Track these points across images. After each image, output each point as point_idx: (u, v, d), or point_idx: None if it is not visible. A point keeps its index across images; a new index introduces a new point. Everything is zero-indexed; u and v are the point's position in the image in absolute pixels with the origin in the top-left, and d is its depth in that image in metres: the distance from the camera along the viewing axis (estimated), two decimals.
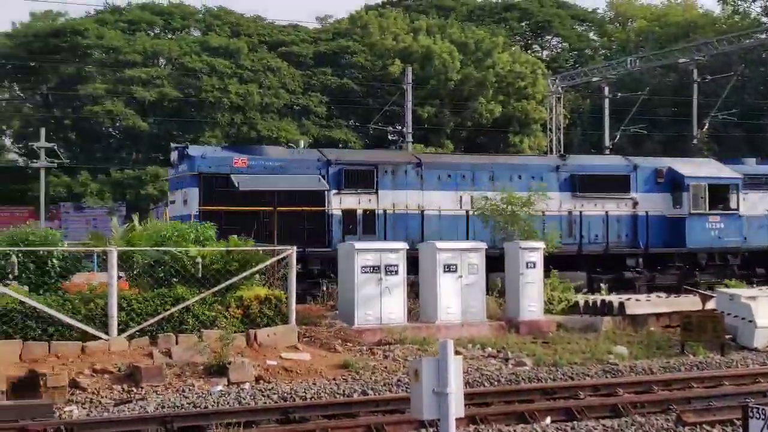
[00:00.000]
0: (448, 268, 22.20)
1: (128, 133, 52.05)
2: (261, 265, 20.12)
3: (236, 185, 25.59)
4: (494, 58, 57.60)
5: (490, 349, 20.84)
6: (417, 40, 58.26)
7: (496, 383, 17.90)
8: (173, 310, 18.58)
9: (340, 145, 53.73)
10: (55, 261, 19.98)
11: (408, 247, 22.80)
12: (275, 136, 51.73)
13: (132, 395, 16.20)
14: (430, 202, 29.12)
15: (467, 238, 27.55)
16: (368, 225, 28.31)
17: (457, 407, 9.78)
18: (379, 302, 21.57)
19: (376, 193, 28.64)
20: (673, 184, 32.12)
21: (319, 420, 14.63)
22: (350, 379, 17.92)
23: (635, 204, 31.78)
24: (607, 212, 31.04)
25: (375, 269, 21.61)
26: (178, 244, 20.02)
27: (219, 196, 26.51)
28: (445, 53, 56.08)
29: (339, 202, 28.28)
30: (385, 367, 18.77)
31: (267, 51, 57.20)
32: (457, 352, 10.14)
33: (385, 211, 28.45)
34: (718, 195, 32.32)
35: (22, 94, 61.44)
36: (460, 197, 29.57)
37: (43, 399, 15.36)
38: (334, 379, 17.84)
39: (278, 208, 26.24)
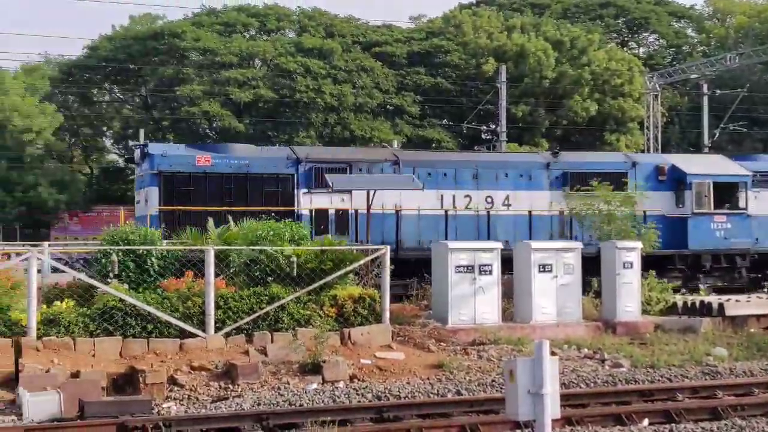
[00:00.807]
0: (543, 268, 21.98)
1: (224, 133, 52.67)
2: (354, 264, 20.19)
3: (330, 185, 25.60)
4: (590, 55, 56.88)
5: (586, 350, 20.58)
6: (511, 38, 57.85)
7: (592, 384, 17.69)
8: (269, 308, 18.76)
9: (434, 145, 53.65)
10: (153, 260, 20.33)
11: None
12: (368, 136, 51.89)
13: (228, 392, 16.41)
14: (409, 201, 28.09)
15: (446, 239, 26.85)
16: (341, 225, 27.59)
17: (553, 408, 9.68)
18: (473, 302, 21.45)
19: (350, 192, 27.69)
20: (676, 182, 30.75)
21: (413, 420, 14.63)
22: (444, 378, 17.87)
23: (634, 203, 30.06)
24: (599, 212, 29.03)
25: (469, 269, 21.48)
26: (273, 243, 20.22)
27: (180, 196, 26.16)
28: (540, 51, 55.58)
29: (309, 202, 27.62)
30: (480, 367, 18.66)
31: (361, 51, 57.39)
32: (552, 353, 10.01)
33: (356, 211, 27.51)
34: (725, 193, 30.79)
35: (122, 96, 62.73)
36: (441, 196, 28.66)
37: (142, 395, 15.65)
38: (428, 378, 17.81)
39: (247, 208, 25.78)
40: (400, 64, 57.23)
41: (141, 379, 16.08)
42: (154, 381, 16.11)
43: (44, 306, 18.13)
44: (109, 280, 19.31)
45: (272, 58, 54.37)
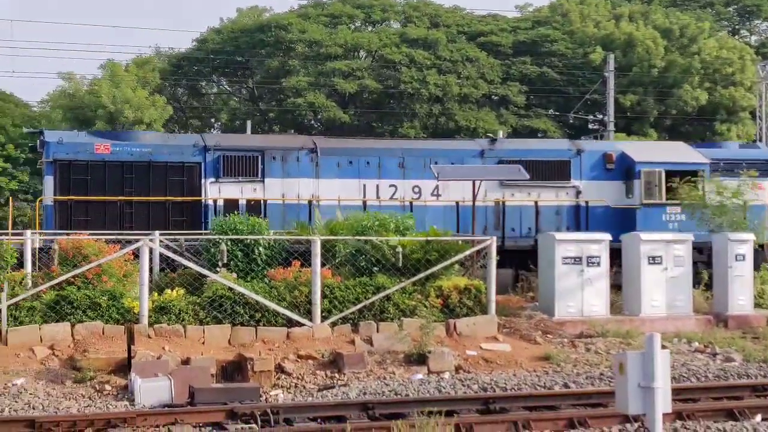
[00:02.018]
0: (653, 260, 21.58)
1: (329, 124, 53.02)
2: (460, 255, 20.13)
3: (436, 175, 25.45)
4: (700, 44, 55.61)
5: (696, 343, 20.16)
6: (619, 26, 56.90)
7: (703, 379, 17.34)
8: (374, 298, 18.83)
9: (540, 135, 53.16)
10: (261, 249, 20.59)
11: None
12: (473, 126, 51.67)
13: (335, 381, 16.53)
14: (328, 191, 26.88)
15: None
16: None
17: (664, 402, 9.54)
18: (580, 294, 21.19)
19: (262, 181, 26.65)
20: (625, 170, 28.68)
21: (520, 411, 14.53)
22: (551, 371, 17.71)
23: (578, 193, 28.56)
24: (536, 202, 27.78)
25: (576, 260, 21.21)
26: (378, 234, 20.28)
27: (77, 186, 25.08)
28: (649, 40, 54.56)
29: (218, 192, 26.44)
30: (587, 360, 18.44)
31: (466, 41, 57.13)
32: (662, 346, 9.82)
33: (265, 201, 26.45)
34: (680, 182, 28.38)
35: (229, 88, 63.64)
36: (363, 186, 27.32)
37: (250, 382, 15.85)
38: (534, 370, 17.68)
39: (149, 198, 25.03)
40: (506, 54, 56.79)
41: (249, 366, 16.29)
42: (262, 369, 16.31)
43: (155, 294, 18.49)
44: (217, 269, 19.63)
45: (377, 49, 54.50)
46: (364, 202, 26.78)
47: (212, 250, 20.53)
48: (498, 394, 15.58)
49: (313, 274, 18.51)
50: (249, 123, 45.20)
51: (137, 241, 18.58)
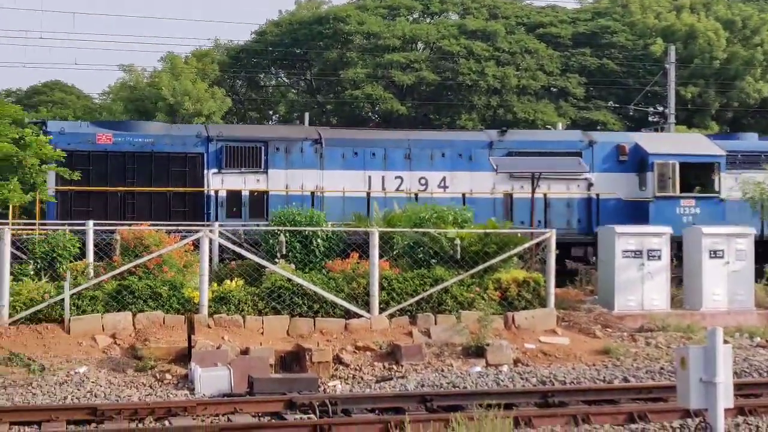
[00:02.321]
0: (714, 254, 21.30)
1: (387, 116, 52.97)
2: (519, 248, 20.05)
3: (495, 168, 25.33)
4: (762, 35, 54.71)
5: (758, 338, 19.89)
6: (680, 18, 56.17)
7: (765, 374, 17.11)
8: (432, 290, 18.82)
9: (599, 128, 52.70)
10: (319, 241, 20.66)
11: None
12: (532, 118, 51.33)
13: (392, 373, 16.56)
14: (332, 183, 26.34)
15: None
16: (256, 208, 25.89)
17: (726, 397, 9.44)
18: (640, 287, 21.00)
19: (266, 172, 26.19)
20: (638, 162, 27.86)
21: (579, 405, 14.44)
22: (610, 365, 17.58)
23: (590, 185, 27.73)
24: (545, 195, 26.97)
25: (636, 254, 21.01)
26: (436, 226, 20.26)
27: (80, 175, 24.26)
28: (710, 31, 53.81)
29: (221, 183, 25.97)
30: (647, 354, 18.27)
31: (525, 33, 56.77)
32: (724, 341, 9.72)
33: (267, 192, 25.97)
34: (696, 175, 27.78)
35: (287, 81, 63.87)
36: (369, 177, 26.67)
37: (308, 373, 15.93)
38: (593, 364, 17.55)
39: (151, 189, 24.61)
40: (565, 45, 56.32)
41: (307, 357, 16.38)
42: (320, 360, 16.39)
43: (215, 284, 18.64)
44: (276, 260, 19.74)
45: (435, 40, 54.35)
46: (368, 194, 26.23)
47: (271, 241, 20.64)
48: (557, 388, 15.52)
49: (371, 266, 18.55)
50: (307, 115, 45.35)
51: (197, 231, 18.74)
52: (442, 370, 16.72)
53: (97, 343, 16.88)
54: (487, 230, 20.17)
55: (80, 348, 16.65)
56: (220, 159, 26.00)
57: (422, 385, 15.74)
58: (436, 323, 18.51)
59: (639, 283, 20.98)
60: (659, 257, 21.10)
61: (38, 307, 17.28)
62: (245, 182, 26.10)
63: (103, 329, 17.30)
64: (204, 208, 25.66)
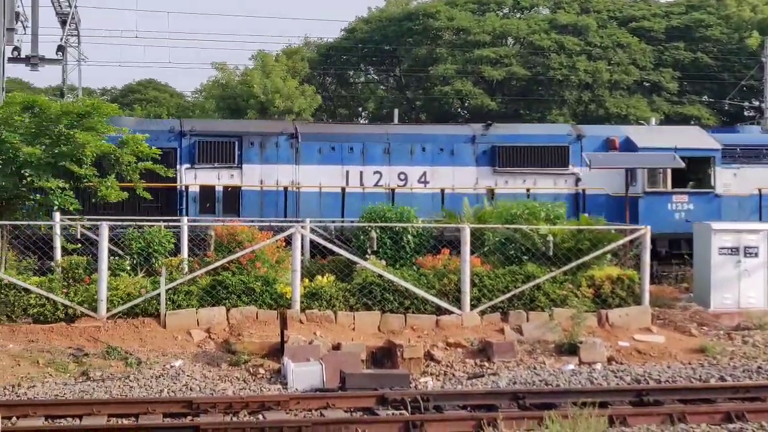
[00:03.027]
0: None
1: (476, 112, 52.80)
2: (613, 244, 19.77)
3: (588, 163, 25.02)
4: None
5: None
6: None
7: None
8: (524, 287, 18.67)
9: (693, 122, 51.74)
10: (409, 237, 20.65)
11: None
12: (624, 113, 50.67)
13: (484, 370, 16.45)
14: (308, 178, 25.88)
15: (342, 217, 24.97)
16: (230, 203, 25.56)
17: None
18: (737, 285, 20.52)
19: (240, 167, 25.86)
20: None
21: (675, 404, 14.17)
22: (706, 363, 17.21)
23: (578, 180, 26.91)
24: (528, 190, 26.41)
25: (733, 251, 20.55)
26: (528, 222, 20.10)
27: None
28: None
29: (194, 178, 25.63)
30: (744, 353, 17.85)
31: (617, 27, 56.09)
32: None
33: (240, 188, 25.57)
34: (691, 170, 26.55)
35: (376, 77, 64.07)
36: (346, 172, 26.21)
37: (400, 369, 15.92)
38: (689, 363, 17.21)
39: (120, 183, 23.91)
40: (658, 39, 55.46)
41: (399, 353, 16.36)
42: (411, 356, 16.36)
43: (306, 280, 18.76)
44: (367, 256, 19.78)
45: (526, 35, 54.00)
46: (343, 189, 25.95)
47: (362, 237, 20.70)
48: (652, 386, 15.26)
49: (462, 262, 18.47)
50: (396, 111, 45.40)
51: (289, 227, 18.88)
52: (535, 368, 16.57)
53: (192, 337, 17.12)
54: (581, 226, 19.93)
55: (176, 342, 16.91)
56: (194, 154, 25.83)
57: (514, 383, 15.61)
58: (528, 320, 18.36)
59: (735, 280, 20.51)
60: (756, 254, 20.61)
61: (135, 302, 17.59)
62: (219, 177, 25.86)
63: (198, 324, 17.54)
64: (176, 203, 25.51)
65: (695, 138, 28.06)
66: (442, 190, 26.17)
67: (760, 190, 27.42)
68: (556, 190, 26.93)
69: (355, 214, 23.94)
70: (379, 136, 27.25)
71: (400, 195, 26.05)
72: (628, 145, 27.15)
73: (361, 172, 26.44)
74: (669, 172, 26.48)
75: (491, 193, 26.31)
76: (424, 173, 26.73)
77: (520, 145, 27.06)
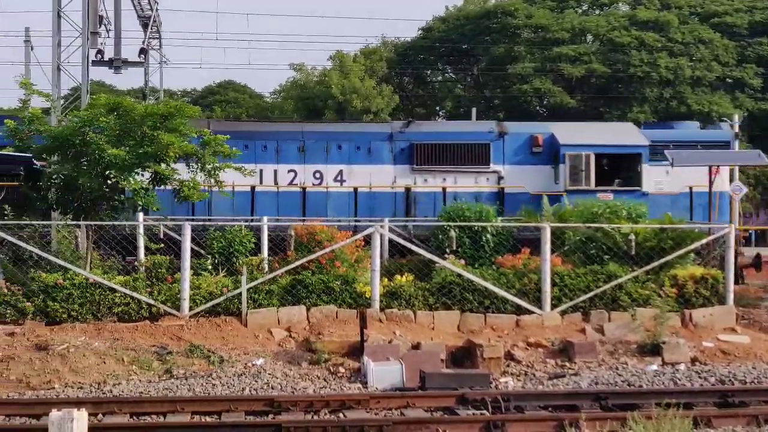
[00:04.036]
0: None
1: (555, 110, 52.37)
2: (696, 243, 19.47)
3: (670, 161, 24.63)
4: None
5: None
6: None
7: None
8: (606, 287, 18.47)
9: None
10: (488, 236, 20.56)
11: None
12: (706, 110, 49.81)
13: (565, 370, 16.31)
14: (221, 177, 24.68)
15: (252, 214, 24.43)
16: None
17: None
18: None
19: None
20: (554, 154, 26.19)
21: (761, 406, 13.90)
22: None
23: (500, 178, 26.21)
24: (444, 189, 25.82)
25: None
26: (610, 221, 19.88)
27: None
28: None
29: None
30: None
31: (698, 22, 55.16)
32: None
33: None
34: (617, 167, 25.89)
35: (454, 76, 63.90)
36: (260, 171, 25.57)
37: (480, 369, 15.86)
38: None
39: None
40: (741, 35, 54.39)
41: (479, 353, 16.28)
42: (491, 355, 16.27)
43: (385, 279, 18.78)
44: (446, 255, 19.75)
45: (605, 32, 53.37)
46: (253, 188, 25.59)
47: (440, 236, 20.67)
48: (737, 387, 14.99)
49: (542, 262, 18.33)
50: (474, 110, 45.26)
51: (368, 227, 18.93)
52: (617, 368, 16.38)
53: (273, 336, 17.25)
54: (664, 225, 19.65)
55: (257, 340, 17.05)
56: None
57: (596, 383, 15.46)
58: (609, 320, 18.15)
59: None
60: None
61: (217, 301, 17.80)
62: None
63: (279, 322, 17.67)
64: None
65: (623, 135, 27.60)
66: (356, 189, 26.04)
67: (690, 188, 26.81)
68: (477, 189, 26.47)
69: (270, 213, 24.15)
70: (294, 134, 27.01)
71: (314, 194, 26.00)
72: (552, 143, 26.81)
73: (276, 171, 26.28)
74: (593, 169, 26.15)
75: (406, 192, 26.25)
76: (340, 172, 26.56)
77: (439, 143, 26.67)
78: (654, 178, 26.67)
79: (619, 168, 26.77)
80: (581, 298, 18.38)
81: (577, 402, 13.95)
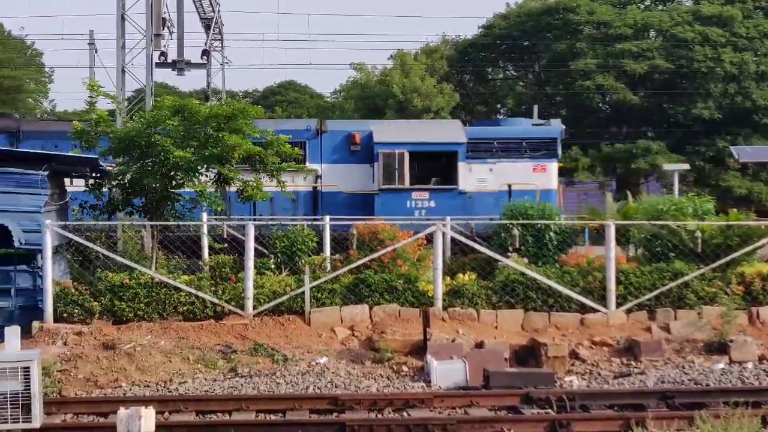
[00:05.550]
0: None
1: (618, 106, 51.85)
2: (764, 240, 19.13)
3: (737, 157, 24.29)
4: None
5: None
6: None
7: None
8: (671, 285, 18.25)
9: None
10: (552, 234, 20.42)
11: None
12: None
13: (631, 368, 16.17)
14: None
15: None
16: None
17: None
18: None
19: None
20: (370, 153, 25.60)
21: None
22: None
23: (318, 177, 25.65)
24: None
25: None
26: (675, 218, 19.63)
27: None
28: None
29: None
30: None
31: (763, 17, 54.27)
32: None
33: None
34: (435, 165, 25.41)
35: (515, 73, 63.54)
36: None
37: (544, 368, 15.77)
38: None
39: None
40: None
41: (543, 352, 16.19)
42: (555, 354, 16.17)
43: (448, 278, 18.75)
44: (508, 253, 19.66)
45: (668, 27, 52.70)
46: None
47: (503, 235, 20.58)
48: None
49: (607, 260, 18.17)
50: (536, 108, 44.95)
51: (430, 226, 18.91)
52: (683, 367, 16.19)
53: (336, 334, 17.31)
54: (730, 222, 19.37)
55: (320, 339, 17.13)
56: None
57: (662, 382, 15.32)
58: (675, 318, 17.94)
59: None
60: None
61: (280, 300, 17.89)
62: None
63: (342, 321, 17.73)
64: None
65: (441, 132, 27.19)
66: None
67: (509, 185, 26.52)
68: (293, 188, 25.40)
69: None
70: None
71: None
72: (369, 141, 26.46)
73: None
74: (407, 167, 25.74)
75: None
76: None
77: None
78: (476, 176, 26.44)
79: (437, 167, 26.50)
80: (647, 297, 18.18)
81: (643, 401, 13.85)
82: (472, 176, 26.49)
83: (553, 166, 27.23)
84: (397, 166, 25.94)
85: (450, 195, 26.13)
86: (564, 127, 28.75)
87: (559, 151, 27.63)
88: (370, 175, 26.41)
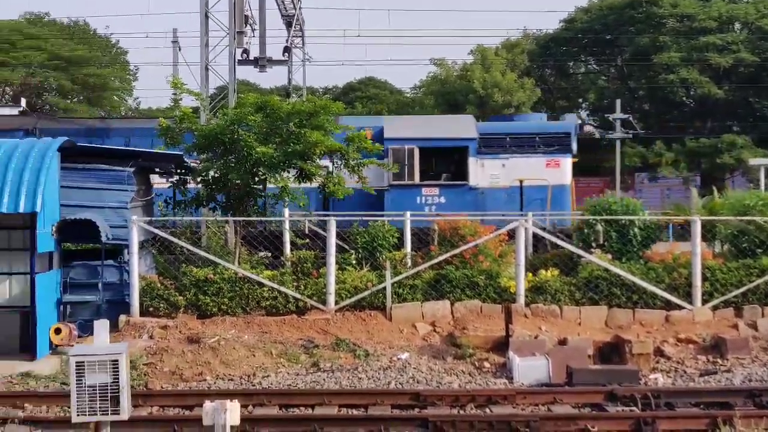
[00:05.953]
0: None
1: (702, 101, 51.03)
2: None
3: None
4: None
5: None
6: None
7: None
8: (759, 281, 17.91)
9: None
10: (636, 230, 20.16)
11: None
12: None
13: (717, 366, 15.89)
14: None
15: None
16: None
17: None
18: None
19: None
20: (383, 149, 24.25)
21: None
22: None
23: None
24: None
25: None
26: (762, 214, 19.26)
27: None
28: None
29: None
30: None
31: None
32: None
33: None
34: (445, 161, 25.03)
35: (597, 68, 62.85)
36: None
37: (628, 365, 15.58)
38: None
39: None
40: None
41: (627, 349, 16.00)
42: (640, 351, 15.96)
43: (530, 274, 18.63)
44: (592, 249, 19.46)
45: (754, 20, 51.69)
46: None
47: (586, 230, 20.37)
48: None
49: (692, 256, 17.88)
50: (618, 102, 44.50)
51: (512, 221, 18.82)
52: None
53: (417, 330, 17.31)
54: None
55: (401, 335, 17.15)
56: None
57: (750, 380, 15.04)
58: (763, 315, 17.59)
59: None
60: None
61: (362, 295, 17.96)
62: None
63: (423, 317, 17.71)
64: None
65: (451, 128, 26.78)
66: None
67: (521, 181, 25.98)
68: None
69: None
70: (120, 131, 26.97)
71: None
72: (380, 136, 26.03)
73: None
74: (417, 163, 25.57)
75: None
76: None
77: None
78: (489, 171, 26.12)
79: (448, 162, 26.26)
80: (733, 293, 17.86)
81: (729, 399, 13.62)
82: (485, 172, 26.38)
83: (567, 162, 26.98)
84: (407, 162, 25.93)
85: (460, 191, 26.05)
86: (579, 122, 28.51)
87: (574, 146, 27.28)
88: (380, 170, 25.73)
